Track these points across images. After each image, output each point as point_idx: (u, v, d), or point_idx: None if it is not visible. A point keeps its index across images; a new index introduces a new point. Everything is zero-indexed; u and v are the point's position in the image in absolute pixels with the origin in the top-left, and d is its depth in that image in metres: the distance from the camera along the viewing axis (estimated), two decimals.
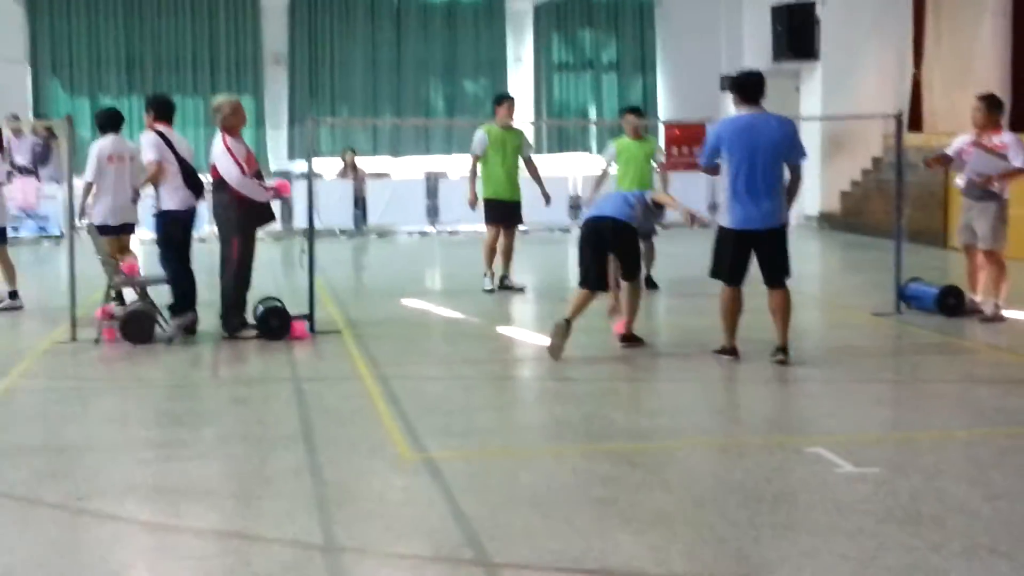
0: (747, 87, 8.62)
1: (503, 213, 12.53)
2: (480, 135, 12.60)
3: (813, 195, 19.36)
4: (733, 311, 8.66)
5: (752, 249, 8.55)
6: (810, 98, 19.38)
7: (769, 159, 8.41)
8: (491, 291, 12.39)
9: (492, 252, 12.50)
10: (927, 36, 18.58)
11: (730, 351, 8.71)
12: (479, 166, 12.58)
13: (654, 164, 12.68)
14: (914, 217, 15.25)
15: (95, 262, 10.05)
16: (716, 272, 8.74)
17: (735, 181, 8.40)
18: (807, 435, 6.86)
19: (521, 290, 12.49)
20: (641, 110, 13.75)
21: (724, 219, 8.61)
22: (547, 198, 12.80)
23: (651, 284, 12.58)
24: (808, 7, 18.98)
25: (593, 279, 9.04)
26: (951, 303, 10.45)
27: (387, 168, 21.38)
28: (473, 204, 12.63)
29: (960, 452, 6.50)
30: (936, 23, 18.55)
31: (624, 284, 9.25)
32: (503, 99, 12.90)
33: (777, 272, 8.61)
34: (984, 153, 10.29)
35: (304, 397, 7.82)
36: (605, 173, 12.88)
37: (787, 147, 8.53)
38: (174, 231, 9.92)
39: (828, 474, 5.98)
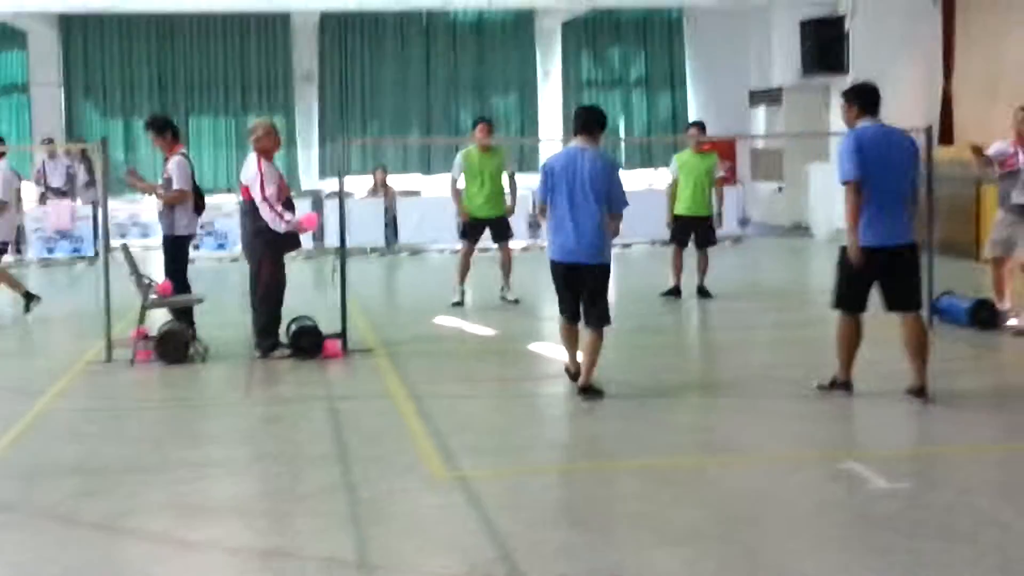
0: (872, 97, 7.98)
1: (480, 231, 12.86)
2: (458, 159, 12.97)
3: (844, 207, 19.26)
4: (854, 343, 8.01)
5: (880, 270, 7.84)
6: (840, 112, 19.30)
7: (901, 172, 7.82)
8: (458, 304, 12.62)
9: (464, 267, 12.81)
10: (957, 49, 18.49)
11: (843, 385, 8.04)
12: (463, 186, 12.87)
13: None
14: (945, 230, 15.18)
15: (128, 283, 10.15)
16: (841, 301, 8.03)
17: (870, 195, 7.74)
18: (840, 450, 6.84)
19: (516, 302, 12.69)
20: (703, 124, 13.93)
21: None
22: (508, 212, 12.96)
23: (704, 293, 12.77)
24: (837, 21, 18.95)
25: (571, 315, 8.31)
26: (983, 316, 10.40)
27: (418, 186, 21.48)
28: (466, 220, 12.86)
29: (993, 467, 6.48)
30: (966, 36, 18.47)
31: (588, 331, 8.22)
32: (477, 122, 13.22)
33: (911, 296, 7.95)
34: None
35: (337, 416, 7.88)
36: (674, 186, 13.14)
37: (915, 162, 7.96)
38: (183, 254, 10.42)
39: (861, 490, 5.98)
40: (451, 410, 7.99)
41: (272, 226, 9.64)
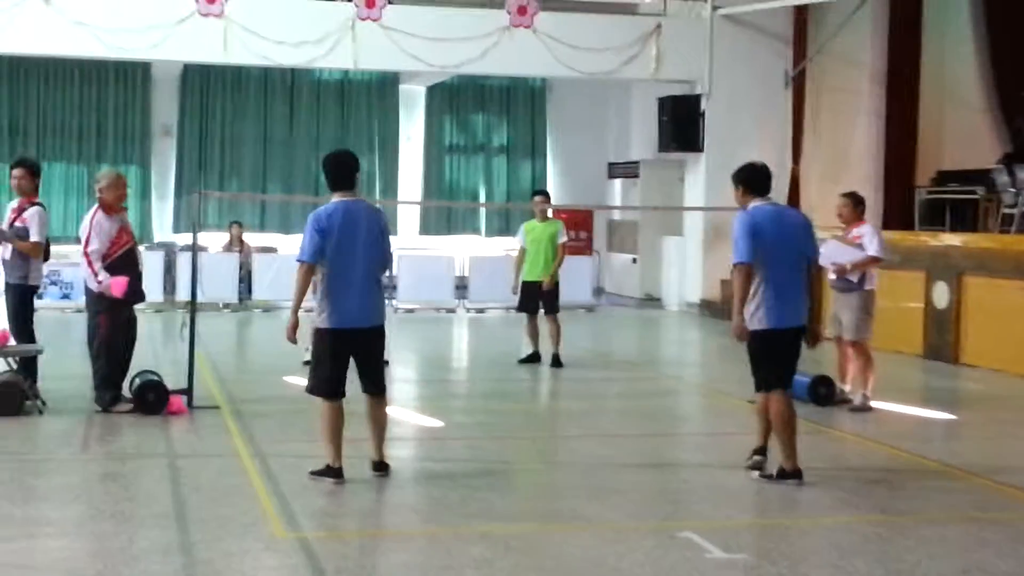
0: (763, 178, 7.93)
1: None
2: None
3: (695, 282, 19.78)
4: (794, 421, 7.71)
5: (787, 350, 7.72)
6: (694, 188, 19.86)
7: (797, 251, 7.76)
8: (309, 363, 12.43)
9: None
10: (805, 133, 19.27)
11: (793, 473, 7.69)
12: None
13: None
14: None
15: None
16: (768, 382, 7.72)
17: (774, 275, 7.60)
18: (680, 520, 6.95)
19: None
20: (547, 193, 14.14)
21: (763, 321, 7.63)
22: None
23: (557, 363, 12.80)
24: (693, 100, 19.53)
25: (341, 392, 7.51)
26: (822, 392, 10.71)
27: (275, 242, 21.28)
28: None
29: (825, 539, 6.67)
30: (814, 121, 19.27)
31: (375, 401, 7.62)
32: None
33: (793, 374, 7.93)
34: (838, 243, 10.71)
35: (178, 474, 7.71)
36: (522, 254, 13.22)
37: (811, 238, 7.93)
38: (31, 304, 10.04)
39: (699, 560, 6.08)
40: (295, 470, 7.86)
41: (87, 283, 9.47)
